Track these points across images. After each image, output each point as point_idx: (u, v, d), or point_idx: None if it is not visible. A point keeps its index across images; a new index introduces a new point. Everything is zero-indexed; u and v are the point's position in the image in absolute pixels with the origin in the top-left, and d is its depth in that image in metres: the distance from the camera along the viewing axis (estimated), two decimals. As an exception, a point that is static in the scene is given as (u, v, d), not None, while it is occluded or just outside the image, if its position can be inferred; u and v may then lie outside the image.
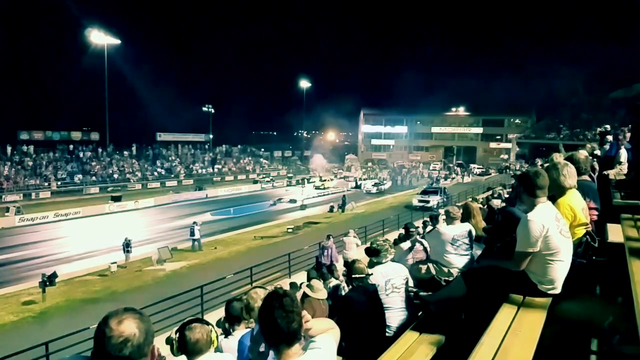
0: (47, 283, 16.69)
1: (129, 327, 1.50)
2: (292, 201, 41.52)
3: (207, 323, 2.94)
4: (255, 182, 56.96)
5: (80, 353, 6.57)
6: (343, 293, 6.67)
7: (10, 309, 15.83)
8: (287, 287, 7.80)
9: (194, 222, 25.21)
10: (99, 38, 52.59)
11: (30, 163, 47.31)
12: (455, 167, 68.92)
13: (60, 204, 38.82)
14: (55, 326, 13.37)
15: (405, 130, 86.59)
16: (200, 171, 60.04)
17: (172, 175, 56.18)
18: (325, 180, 54.17)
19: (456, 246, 4.46)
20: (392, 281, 4.04)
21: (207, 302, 13.44)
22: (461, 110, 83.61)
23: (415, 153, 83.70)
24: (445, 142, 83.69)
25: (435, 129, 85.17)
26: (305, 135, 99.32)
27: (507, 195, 11.33)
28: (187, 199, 44.80)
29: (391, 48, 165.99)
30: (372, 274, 3.99)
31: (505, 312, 2.94)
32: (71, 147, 53.11)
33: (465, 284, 3.48)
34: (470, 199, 11.18)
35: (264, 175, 61.37)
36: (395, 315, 3.94)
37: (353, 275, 4.02)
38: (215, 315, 9.99)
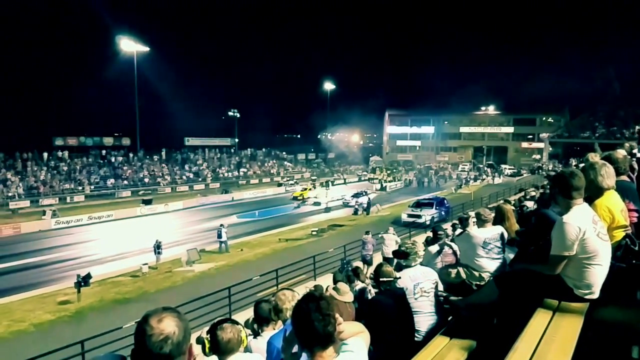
0: (82, 284, 17.16)
1: (168, 326, 1.54)
2: (316, 204, 41.55)
3: (237, 323, 2.97)
4: (279, 184, 57.26)
5: (114, 352, 6.74)
6: (369, 296, 6.62)
7: (47, 308, 16.34)
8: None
9: (221, 225, 25.54)
10: (129, 46, 53.74)
11: (65, 168, 48.71)
12: (486, 168, 67.57)
13: (94, 208, 39.87)
14: (90, 325, 13.76)
15: (432, 131, 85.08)
16: (226, 174, 60.74)
17: (200, 179, 57.00)
18: (305, 189, 48.56)
19: (488, 250, 4.35)
20: (421, 285, 3.98)
21: (234, 303, 13.60)
22: (491, 109, 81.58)
23: (442, 154, 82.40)
24: (475, 142, 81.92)
25: (463, 129, 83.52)
26: (329, 137, 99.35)
27: (539, 197, 11.03)
28: (214, 201, 45.43)
29: (417, 46, 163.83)
30: (399, 277, 3.95)
31: (540, 317, 2.86)
32: (104, 152, 54.44)
33: (498, 288, 3.40)
34: (502, 201, 10.94)
35: (288, 178, 61.64)
36: (424, 319, 3.88)
37: (380, 279, 3.98)
38: (243, 315, 10.09)
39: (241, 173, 62.51)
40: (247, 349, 3.30)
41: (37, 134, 58.63)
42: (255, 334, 3.65)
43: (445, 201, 31.58)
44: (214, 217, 34.75)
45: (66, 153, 51.10)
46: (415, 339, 3.77)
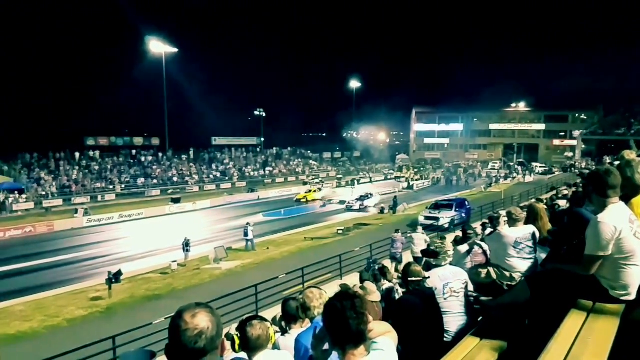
0: (113, 280, 17.58)
1: (202, 321, 1.57)
2: (342, 202, 41.47)
3: (266, 320, 3.00)
4: (305, 183, 57.39)
5: (144, 347, 6.92)
6: (397, 296, 6.56)
7: (80, 304, 16.83)
8: (337, 289, 7.77)
9: (247, 223, 25.79)
10: (158, 47, 54.74)
11: (97, 167, 49.97)
12: (516, 166, 66.26)
13: (124, 206, 40.79)
14: (121, 321, 14.11)
15: (460, 128, 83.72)
16: (252, 173, 61.28)
17: (227, 178, 57.67)
18: (310, 191, 45.89)
19: (519, 249, 4.26)
20: (450, 285, 3.93)
21: (261, 301, 13.70)
22: (522, 106, 79.71)
23: (472, 152, 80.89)
24: (505, 140, 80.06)
25: (493, 126, 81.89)
26: (354, 136, 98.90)
27: (572, 196, 10.73)
28: (240, 200, 45.89)
29: (445, 42, 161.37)
30: (429, 277, 3.90)
31: (574, 319, 2.79)
32: (134, 152, 55.61)
33: (530, 288, 3.34)
34: (534, 200, 10.70)
35: (314, 177, 61.73)
36: (453, 320, 3.84)
37: (409, 279, 3.94)
38: (270, 313, 10.16)
39: (267, 172, 62.96)
40: (275, 346, 3.33)
41: (69, 134, 60.19)
42: (283, 332, 3.67)
43: (466, 202, 29.77)
44: (240, 216, 35.13)
45: (97, 153, 52.39)
46: (445, 339, 3.73)
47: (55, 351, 9.62)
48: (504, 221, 5.04)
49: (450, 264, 4.25)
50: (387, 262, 16.32)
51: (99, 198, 44.84)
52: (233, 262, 21.80)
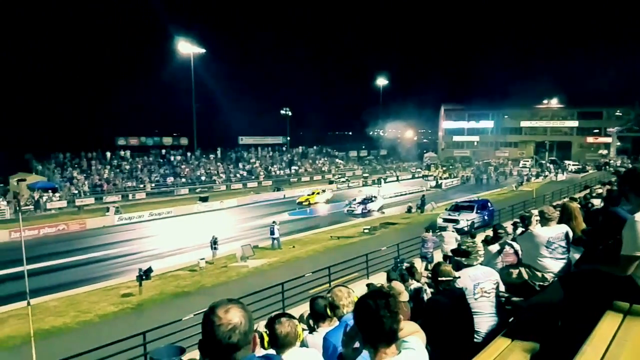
0: (144, 277, 17.93)
1: (235, 316, 1.60)
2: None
3: (294, 317, 3.01)
4: (330, 182, 57.45)
5: (174, 343, 7.03)
6: (425, 296, 6.50)
7: (111, 300, 17.23)
8: (364, 288, 7.75)
9: (274, 222, 25.95)
10: (186, 48, 55.56)
11: (127, 167, 51.14)
12: (548, 164, 64.79)
13: (154, 204, 41.63)
14: (151, 317, 14.39)
15: (491, 126, 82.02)
16: (278, 172, 61.67)
17: (253, 177, 58.21)
18: (313, 194, 43.78)
19: (552, 249, 4.16)
20: (481, 285, 3.87)
21: (287, 299, 13.77)
22: (554, 102, 77.67)
23: (502, 149, 79.33)
24: (537, 137, 78.31)
25: (524, 123, 79.94)
26: (381, 134, 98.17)
27: (607, 195, 10.39)
28: (266, 199, 46.23)
29: (475, 37, 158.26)
30: (459, 276, 3.85)
31: (609, 320, 2.71)
32: (163, 151, 56.69)
33: (563, 289, 3.26)
34: (568, 199, 10.41)
35: (340, 176, 61.63)
36: (484, 320, 3.77)
37: (439, 278, 3.89)
38: (296, 311, 10.20)
39: (293, 171, 63.26)
40: (304, 344, 3.34)
41: (101, 134, 61.69)
42: (312, 330, 3.68)
43: (488, 204, 28.39)
44: (266, 214, 35.38)
45: (128, 152, 53.60)
46: (475, 340, 3.68)
47: (88, 346, 9.87)
48: (536, 220, 4.94)
49: (481, 264, 4.18)
50: (418, 262, 16.21)
51: (130, 197, 45.82)
52: (259, 260, 21.98)
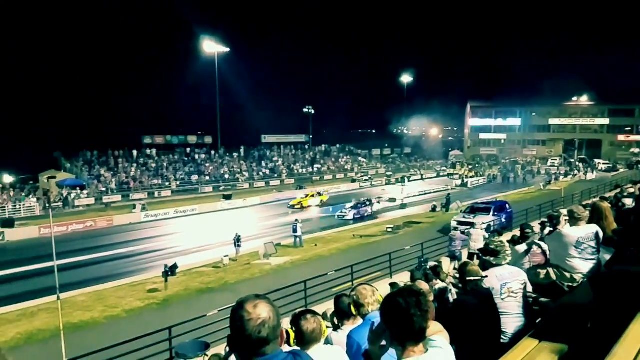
0: (169, 273, 18.24)
1: (264, 311, 1.62)
2: (392, 200, 40.99)
3: (318, 314, 3.02)
4: (353, 180, 57.32)
5: (199, 338, 7.13)
6: (450, 296, 6.42)
7: (137, 296, 17.58)
8: (387, 288, 7.71)
9: (296, 220, 26.04)
10: (210, 47, 56.03)
11: (153, 165, 52.01)
12: (577, 163, 63.27)
13: (179, 202, 42.30)
14: (176, 312, 14.65)
15: (518, 123, 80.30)
16: (300, 170, 61.82)
17: (276, 175, 58.51)
18: (306, 196, 41.34)
19: (581, 250, 4.06)
20: (508, 285, 3.80)
21: (310, 297, 13.80)
22: (584, 100, 75.52)
23: (530, 147, 77.73)
24: (565, 135, 76.29)
25: (553, 121, 78.08)
26: (405, 131, 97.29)
27: (639, 194, 10.06)
28: (289, 197, 46.21)
29: (502, 33, 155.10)
30: (486, 276, 3.78)
31: (642, 323, 2.63)
32: (188, 150, 57.42)
33: (593, 290, 3.17)
34: (598, 198, 10.13)
35: (362, 174, 61.39)
36: (511, 321, 3.71)
37: (467, 278, 3.83)
38: (319, 309, 10.21)
39: (315, 169, 63.32)
40: (328, 341, 3.34)
41: (127, 133, 62.90)
42: (336, 327, 3.68)
43: (506, 206, 27.10)
44: (289, 213, 35.55)
45: (154, 151, 54.48)
46: (502, 340, 3.62)
47: (115, 340, 10.07)
48: (565, 220, 4.83)
49: (508, 264, 4.11)
50: (445, 261, 16.08)
51: (156, 194, 46.59)
52: (282, 258, 22.10)
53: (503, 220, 25.09)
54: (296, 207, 39.17)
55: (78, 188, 42.25)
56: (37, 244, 26.67)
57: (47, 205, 36.36)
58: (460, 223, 24.26)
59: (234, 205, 41.74)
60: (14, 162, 46.54)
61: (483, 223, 22.46)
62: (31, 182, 44.06)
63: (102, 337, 12.32)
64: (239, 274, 20.09)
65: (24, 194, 39.19)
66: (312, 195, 41.37)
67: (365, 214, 34.13)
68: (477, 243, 14.69)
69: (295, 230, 25.01)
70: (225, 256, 21.80)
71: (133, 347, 9.78)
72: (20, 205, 37.25)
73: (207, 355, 8.61)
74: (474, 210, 26.37)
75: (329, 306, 7.40)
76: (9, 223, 31.92)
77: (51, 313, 15.16)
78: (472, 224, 22.42)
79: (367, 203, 35.90)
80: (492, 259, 3.93)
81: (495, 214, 25.00)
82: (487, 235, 15.34)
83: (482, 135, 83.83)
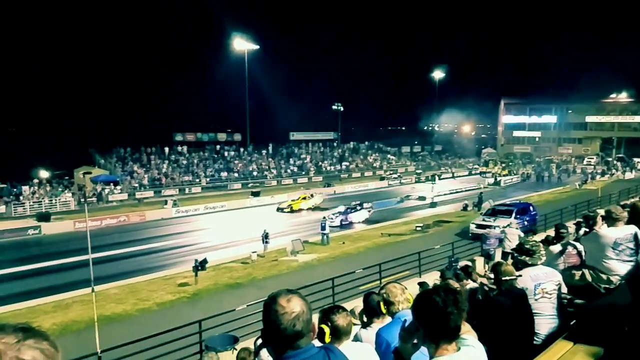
0: (199, 268, 18.55)
1: (297, 305, 1.66)
2: (421, 198, 40.55)
3: (346, 310, 3.04)
4: (382, 178, 56.96)
5: (228, 332, 7.25)
6: (480, 297, 6.31)
7: (168, 289, 17.95)
8: (415, 287, 7.66)
9: (324, 217, 26.08)
10: (241, 44, 56.29)
11: (184, 162, 52.95)
12: (615, 162, 61.20)
13: (209, 198, 42.89)
14: (206, 306, 14.89)
15: (553, 120, 77.62)
16: (328, 168, 61.79)
17: (303, 172, 58.67)
18: (299, 199, 38.67)
19: (618, 251, 3.94)
20: (542, 286, 3.73)
21: (337, 294, 13.80)
22: (622, 96, 72.56)
23: (565, 146, 75.38)
24: (603, 133, 73.38)
25: (590, 118, 75.28)
26: (436, 129, 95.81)
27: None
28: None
29: (537, 28, 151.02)
30: (520, 275, 3.71)
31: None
32: (218, 147, 58.18)
33: (631, 292, 3.07)
34: (638, 198, 9.80)
35: (391, 172, 60.91)
36: (544, 322, 3.64)
37: (503, 278, 3.76)
38: (346, 307, 10.22)
39: (343, 166, 63.17)
40: (357, 339, 3.34)
41: (159, 130, 64.23)
42: (365, 325, 3.68)
43: (530, 208, 25.70)
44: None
45: (185, 148, 55.42)
46: (534, 342, 3.55)
47: (147, 332, 10.33)
48: (602, 220, 4.68)
49: (542, 264, 4.02)
50: (479, 260, 15.86)
51: (186, 190, 47.37)
52: (309, 255, 22.18)
53: (526, 223, 23.51)
54: (285, 210, 37.05)
55: (111, 184, 43.33)
56: (72, 238, 27.53)
57: (82, 200, 37.48)
58: (479, 226, 23.19)
59: (262, 202, 42.11)
60: (50, 158, 48.22)
61: (503, 227, 20.03)
62: (66, 178, 45.41)
63: (134, 329, 12.61)
64: (266, 270, 20.27)
65: (59, 189, 40.47)
66: (305, 198, 38.86)
67: (355, 221, 30.90)
68: (513, 243, 14.36)
69: (323, 228, 25.06)
70: (253, 252, 22.06)
71: (164, 340, 9.99)
72: (56, 200, 38.47)
73: (236, 349, 8.74)
74: (495, 212, 25.21)
75: (356, 304, 7.39)
76: (45, 217, 33.09)
77: (85, 305, 15.63)
78: (492, 227, 21.27)
79: (357, 208, 32.69)
80: (527, 258, 3.85)
81: (518, 216, 23.40)
82: (522, 235, 14.97)
83: (516, 133, 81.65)
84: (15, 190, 38.39)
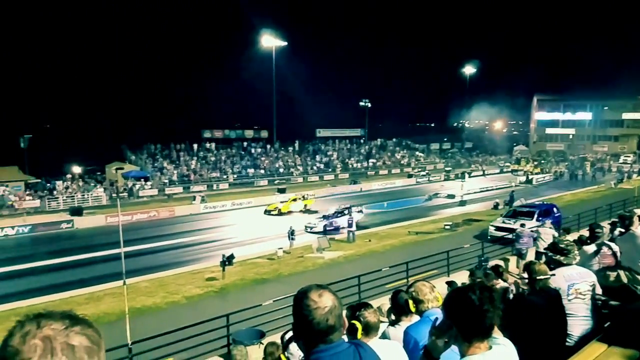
0: (226, 263, 18.80)
1: (329, 300, 1.65)
2: (450, 196, 40.01)
3: (372, 306, 3.03)
4: (409, 176, 56.42)
5: (254, 326, 7.35)
6: (511, 296, 6.20)
7: (197, 284, 18.27)
8: (443, 286, 7.56)
9: (350, 215, 25.98)
10: (268, 41, 56.32)
11: (212, 158, 53.61)
12: None
13: (236, 195, 43.38)
14: (232, 300, 15.11)
15: (588, 117, 75.26)
16: (355, 165, 61.54)
17: (330, 169, 58.63)
18: (288, 201, 36.39)
19: (656, 252, 3.81)
20: (576, 286, 3.64)
21: (363, 292, 13.78)
22: (662, 92, 70.23)
23: (601, 143, 72.94)
24: (640, 131, 71.27)
25: (627, 115, 72.46)
26: (466, 125, 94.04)
27: None
28: (342, 192, 46.37)
29: (571, 22, 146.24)
30: (554, 274, 3.63)
31: None
32: (245, 144, 58.70)
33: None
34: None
35: (420, 169, 60.22)
36: (577, 323, 3.55)
37: (537, 277, 3.68)
38: (372, 304, 10.20)
39: (370, 164, 62.79)
40: (385, 336, 3.33)
41: (188, 127, 65.24)
42: (392, 323, 3.66)
43: (554, 209, 24.26)
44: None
45: (213, 145, 56.05)
46: (567, 343, 3.47)
47: (175, 325, 10.58)
48: (638, 221, 4.54)
49: (576, 264, 3.93)
50: (512, 259, 15.61)
51: (214, 187, 47.90)
52: (335, 252, 22.19)
53: (552, 226, 22.53)
54: (272, 212, 34.78)
55: (142, 179, 44.24)
56: (104, 232, 28.29)
57: (115, 195, 38.43)
58: (498, 229, 22.41)
59: (288, 199, 42.22)
60: (83, 154, 49.62)
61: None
62: (98, 173, 46.69)
63: (164, 322, 12.88)
64: (292, 266, 20.39)
65: (92, 184, 41.60)
66: (295, 200, 36.40)
67: (341, 226, 27.52)
68: (547, 242, 14.03)
69: (350, 225, 25.02)
70: (279, 248, 22.22)
71: (192, 332, 10.19)
72: (88, 194, 39.56)
73: (262, 343, 8.85)
74: (516, 214, 23.95)
75: (382, 302, 7.37)
76: (78, 211, 34.07)
77: (116, 297, 16.05)
78: (512, 230, 20.45)
79: (345, 212, 29.03)
80: (561, 258, 3.76)
81: (540, 218, 21.87)
82: (556, 234, 14.62)
83: (549, 130, 79.42)
84: (49, 185, 39.66)
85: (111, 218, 31.87)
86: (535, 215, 22.65)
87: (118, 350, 9.64)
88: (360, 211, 30.58)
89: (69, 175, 41.61)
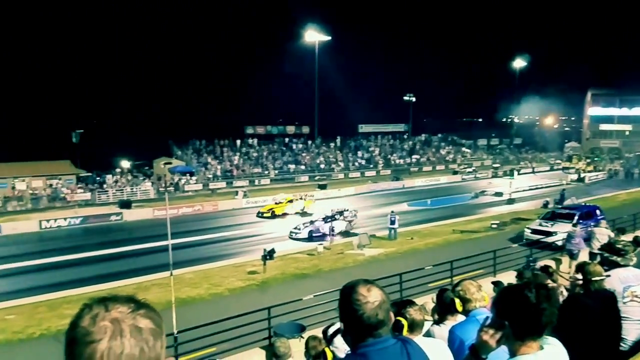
0: (268, 257, 19.04)
1: (377, 294, 1.65)
2: (498, 194, 38.88)
3: (416, 304, 2.95)
4: (455, 172, 55.17)
5: (294, 320, 7.35)
6: (560, 298, 5.90)
7: (239, 277, 18.64)
8: (489, 286, 7.29)
9: (392, 212, 25.68)
10: (312, 36, 55.85)
11: (254, 154, 54.39)
12: None
13: (277, 190, 43.64)
14: (273, 294, 15.27)
15: None
16: (398, 161, 60.69)
17: (371, 166, 58.14)
18: (280, 203, 34.13)
19: None
20: (632, 288, 3.43)
21: (405, 290, 13.58)
22: None
23: None
24: None
25: (689, 111, 68.17)
26: (515, 121, 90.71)
27: None
28: (384, 188, 45.92)
29: (629, 11, 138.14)
30: (609, 275, 3.40)
31: None
32: (286, 140, 59.20)
33: None
34: None
35: (466, 166, 58.69)
36: (632, 327, 3.37)
37: (591, 278, 3.46)
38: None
39: (413, 160, 61.78)
40: (430, 335, 3.22)
41: (232, 123, 66.34)
42: (438, 322, 3.54)
43: (596, 212, 22.54)
44: (383, 204, 35.11)
45: (255, 140, 56.86)
46: (621, 348, 3.25)
47: (219, 316, 10.79)
48: None
49: (633, 266, 3.67)
50: (565, 259, 15.02)
51: (256, 182, 48.65)
52: (376, 250, 22.01)
53: (590, 228, 20.97)
54: (265, 214, 32.72)
55: (188, 174, 45.51)
56: (151, 225, 29.25)
57: (162, 189, 39.71)
58: (535, 232, 21.19)
59: (329, 195, 42.20)
60: (131, 149, 51.40)
61: (563, 232, 18.31)
62: (146, 168, 48.31)
63: (207, 312, 13.18)
64: (332, 262, 20.40)
65: (140, 178, 43.11)
66: (291, 201, 34.28)
67: (329, 233, 25.32)
68: (602, 242, 13.36)
69: (393, 222, 24.69)
70: (319, 244, 22.27)
71: (235, 324, 10.37)
72: (136, 188, 41.04)
73: (303, 337, 8.86)
74: (554, 216, 22.61)
75: (425, 300, 7.19)
76: (127, 204, 35.39)
77: (162, 288, 16.53)
78: (549, 233, 20.04)
79: (338, 217, 27.56)
80: (618, 258, 3.53)
81: (580, 221, 20.11)
82: (612, 235, 13.90)
83: (603, 126, 75.26)
84: (99, 178, 41.47)
85: (158, 211, 32.90)
86: (576, 218, 21.09)
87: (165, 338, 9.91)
88: (353, 217, 28.66)
89: (118, 170, 43.38)
